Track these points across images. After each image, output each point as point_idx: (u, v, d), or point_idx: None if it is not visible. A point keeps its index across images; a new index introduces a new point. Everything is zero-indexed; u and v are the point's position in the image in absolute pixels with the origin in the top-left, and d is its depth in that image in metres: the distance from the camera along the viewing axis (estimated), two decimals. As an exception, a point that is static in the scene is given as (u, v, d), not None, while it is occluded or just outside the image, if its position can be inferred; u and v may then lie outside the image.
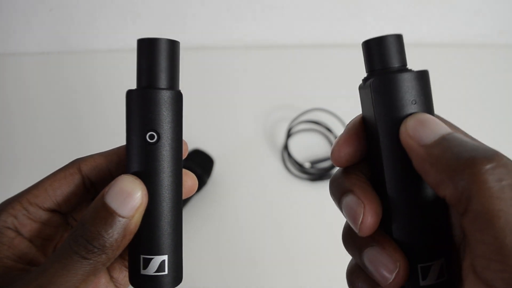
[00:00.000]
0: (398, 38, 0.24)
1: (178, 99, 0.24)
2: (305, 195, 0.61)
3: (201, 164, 0.59)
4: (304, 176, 0.63)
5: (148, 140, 0.24)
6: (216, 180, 0.62)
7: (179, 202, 0.25)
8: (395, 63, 0.24)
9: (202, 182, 0.59)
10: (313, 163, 0.63)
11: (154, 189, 0.24)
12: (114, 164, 0.26)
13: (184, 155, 0.26)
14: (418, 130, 0.21)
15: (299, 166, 0.63)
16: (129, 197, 0.23)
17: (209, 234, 0.58)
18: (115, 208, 0.22)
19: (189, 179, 0.27)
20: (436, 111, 0.23)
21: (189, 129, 0.68)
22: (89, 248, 0.22)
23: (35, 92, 0.73)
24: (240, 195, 0.61)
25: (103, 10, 0.75)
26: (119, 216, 0.22)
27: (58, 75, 0.75)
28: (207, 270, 0.55)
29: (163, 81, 0.24)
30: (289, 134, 0.65)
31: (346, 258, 0.26)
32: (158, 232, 0.24)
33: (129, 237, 0.23)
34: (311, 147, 0.66)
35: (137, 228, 0.23)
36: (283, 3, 0.75)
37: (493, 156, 0.19)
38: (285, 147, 0.64)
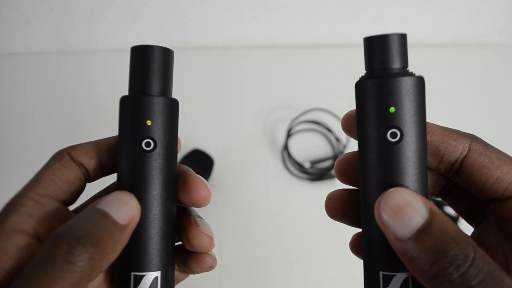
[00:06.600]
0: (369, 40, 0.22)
1: (175, 106, 0.24)
2: (305, 195, 0.61)
3: (201, 164, 0.59)
4: (304, 176, 0.63)
5: (144, 147, 0.23)
6: (216, 180, 0.62)
7: (173, 213, 0.24)
8: (377, 66, 0.22)
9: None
10: (313, 163, 0.63)
11: (147, 198, 0.23)
12: (104, 153, 0.24)
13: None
14: (392, 221, 0.20)
15: (299, 166, 0.63)
16: (126, 205, 0.21)
17: (209, 234, 0.57)
18: (111, 213, 0.21)
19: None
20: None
21: (189, 129, 0.69)
22: (76, 248, 0.19)
23: (35, 92, 0.73)
24: (240, 195, 0.61)
25: (103, 10, 0.75)
26: (114, 220, 0.21)
27: (58, 75, 0.75)
28: (207, 270, 0.55)
29: (156, 87, 0.23)
30: (289, 134, 0.65)
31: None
32: (150, 246, 0.23)
33: (119, 250, 0.21)
34: (311, 147, 0.66)
35: (127, 241, 0.21)
36: (283, 3, 0.75)
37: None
38: (285, 147, 0.64)
